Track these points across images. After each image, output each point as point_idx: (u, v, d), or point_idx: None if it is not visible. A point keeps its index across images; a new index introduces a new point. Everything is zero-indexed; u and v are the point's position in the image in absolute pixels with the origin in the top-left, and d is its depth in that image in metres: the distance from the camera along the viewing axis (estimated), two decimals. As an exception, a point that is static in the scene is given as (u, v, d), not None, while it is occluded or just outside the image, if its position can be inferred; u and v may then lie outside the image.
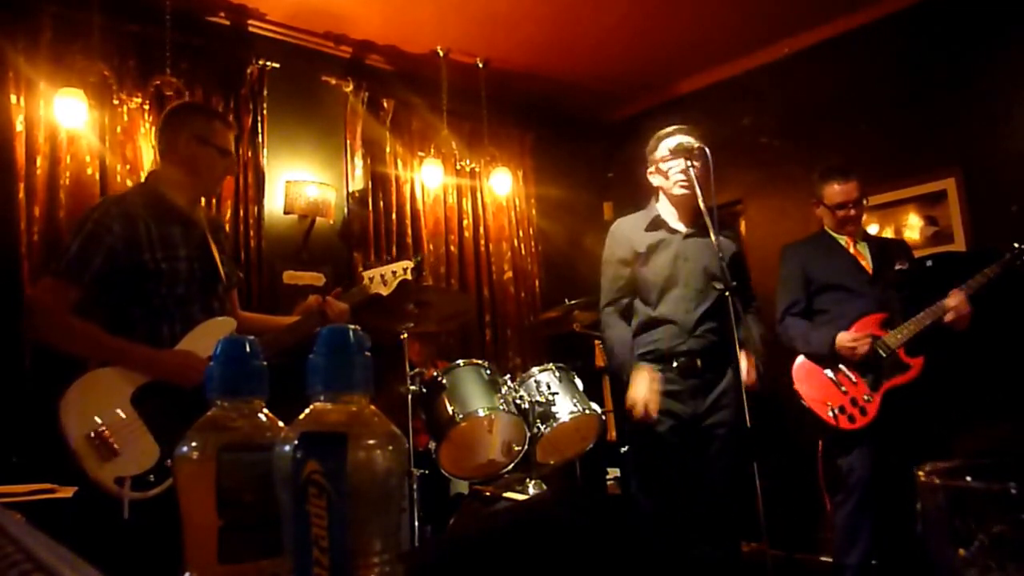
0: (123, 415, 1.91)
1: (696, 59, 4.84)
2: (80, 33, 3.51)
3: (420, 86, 4.69)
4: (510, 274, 5.02)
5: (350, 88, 4.48)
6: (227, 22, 4.09)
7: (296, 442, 0.50)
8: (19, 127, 3.35)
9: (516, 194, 5.14)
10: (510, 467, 3.09)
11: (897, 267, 2.86)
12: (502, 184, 4.91)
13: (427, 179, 4.67)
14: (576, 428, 3.18)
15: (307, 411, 0.53)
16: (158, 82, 3.67)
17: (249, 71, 4.05)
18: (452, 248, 4.80)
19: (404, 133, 4.69)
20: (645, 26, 4.39)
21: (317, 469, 0.48)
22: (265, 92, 4.08)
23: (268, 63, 4.10)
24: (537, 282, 5.17)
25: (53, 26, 3.46)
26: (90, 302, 2.04)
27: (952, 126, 3.95)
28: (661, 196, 2.68)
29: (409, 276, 2.51)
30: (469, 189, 4.94)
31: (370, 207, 4.46)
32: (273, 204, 4.13)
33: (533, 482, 3.04)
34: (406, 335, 3.03)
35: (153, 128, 3.71)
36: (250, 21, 4.15)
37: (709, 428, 2.50)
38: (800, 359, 2.87)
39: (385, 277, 2.48)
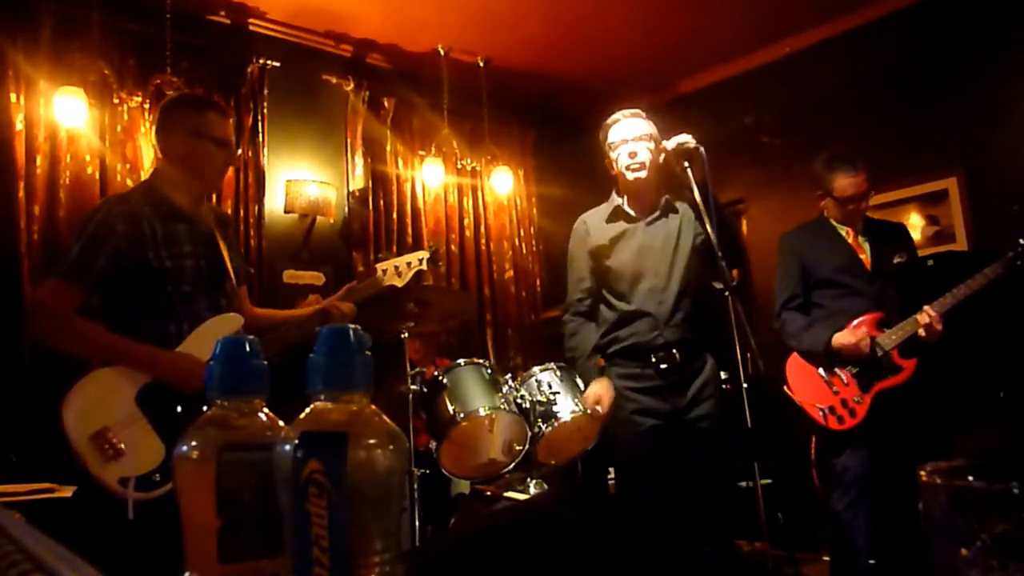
0: (127, 414, 1.90)
1: (697, 58, 4.84)
2: (80, 32, 3.51)
3: (421, 85, 4.69)
4: (511, 273, 5.02)
5: (351, 87, 4.48)
6: (227, 21, 4.09)
7: (296, 441, 0.50)
8: (19, 126, 3.35)
9: (517, 193, 5.14)
10: (511, 467, 3.09)
11: (896, 260, 2.81)
12: (503, 183, 4.90)
13: (428, 178, 4.67)
14: (577, 428, 3.17)
15: (307, 410, 0.53)
16: (158, 81, 3.67)
17: (249, 70, 4.05)
18: (453, 247, 4.80)
19: (405, 132, 4.69)
20: (646, 25, 4.38)
21: (318, 468, 0.48)
22: (265, 91, 4.08)
23: (268, 62, 4.10)
24: (538, 281, 5.17)
25: (53, 24, 3.46)
26: (95, 302, 2.04)
27: (954, 125, 3.95)
28: (619, 185, 2.64)
29: (424, 267, 2.49)
30: (470, 188, 4.94)
31: (371, 206, 4.46)
32: (273, 203, 4.14)
33: (534, 482, 3.03)
34: (406, 334, 3.02)
35: (153, 127, 3.71)
36: (250, 20, 4.15)
37: (692, 422, 2.46)
38: (793, 356, 2.86)
39: (399, 268, 2.46)
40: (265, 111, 4.08)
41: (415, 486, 2.81)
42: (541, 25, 4.34)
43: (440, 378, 3.02)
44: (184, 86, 3.75)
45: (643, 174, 2.48)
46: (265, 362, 0.61)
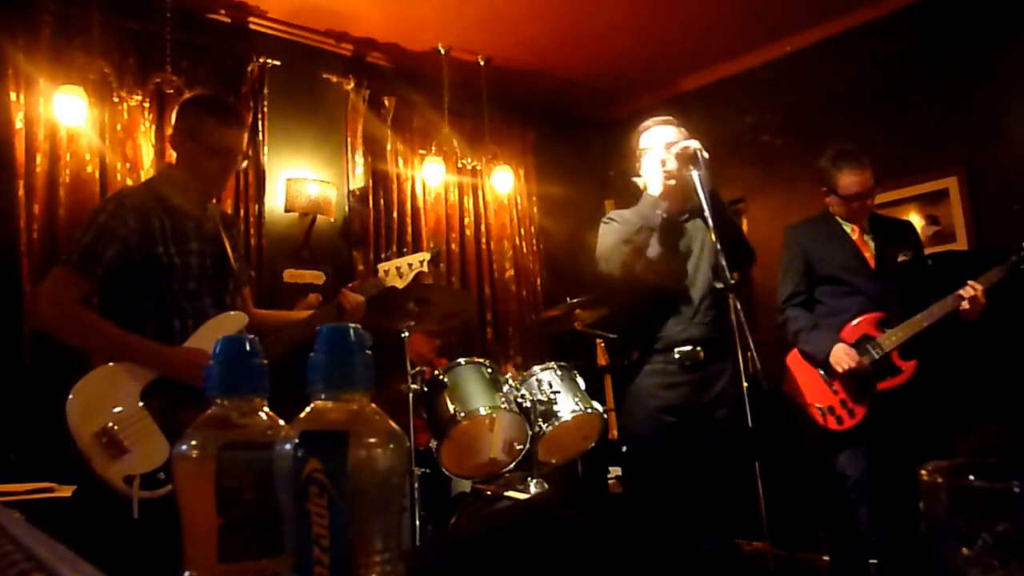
0: (132, 412, 1.88)
1: (698, 57, 4.84)
2: (80, 30, 3.51)
3: (421, 84, 4.69)
4: (511, 272, 5.02)
5: (351, 86, 4.48)
6: (228, 19, 4.09)
7: (297, 440, 0.50)
8: (19, 124, 3.35)
9: (517, 192, 5.14)
10: (511, 466, 3.09)
11: (900, 259, 2.81)
12: (503, 182, 4.90)
13: (428, 177, 4.66)
14: (578, 427, 3.18)
15: (308, 409, 0.53)
16: (158, 80, 3.67)
17: (250, 69, 4.05)
18: (453, 246, 4.80)
19: (405, 131, 4.69)
20: (647, 24, 4.38)
21: (318, 468, 0.48)
22: (266, 90, 4.08)
23: (269, 61, 4.10)
24: (539, 280, 5.17)
25: (53, 23, 3.46)
26: (101, 295, 2.03)
27: (954, 125, 3.95)
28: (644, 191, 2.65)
29: (425, 268, 2.50)
30: (470, 187, 4.94)
31: (371, 205, 4.46)
32: (274, 202, 4.14)
33: (534, 481, 3.03)
34: (407, 333, 3.02)
35: (153, 126, 3.72)
36: (251, 18, 4.15)
37: (710, 422, 2.48)
38: (793, 353, 2.85)
39: (401, 269, 2.47)
40: (265, 110, 4.08)
41: (415, 485, 2.81)
42: (542, 24, 4.34)
43: (440, 377, 3.02)
44: (184, 85, 3.75)
45: (673, 181, 2.49)
46: (265, 361, 0.61)
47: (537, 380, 3.13)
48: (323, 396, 0.53)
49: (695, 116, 2.65)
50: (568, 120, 5.52)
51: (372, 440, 0.51)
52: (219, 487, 0.55)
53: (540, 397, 3.05)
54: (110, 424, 1.85)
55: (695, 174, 2.34)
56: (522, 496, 2.97)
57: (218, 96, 2.36)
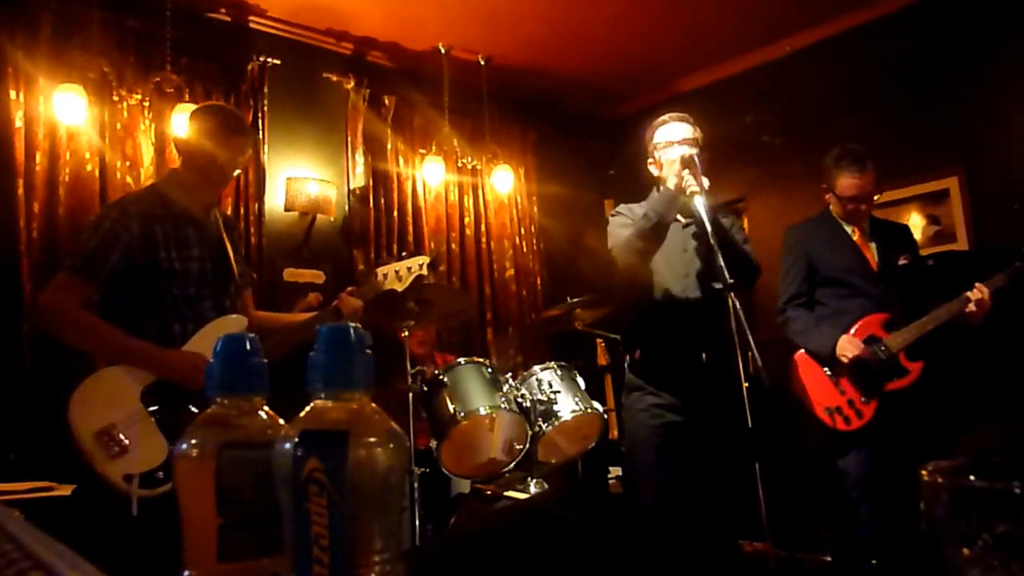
0: (132, 412, 1.92)
1: (698, 56, 4.84)
2: (80, 29, 3.50)
3: (421, 83, 4.69)
4: (512, 272, 5.02)
5: (351, 85, 4.48)
6: (228, 18, 4.09)
7: (296, 440, 0.50)
8: (18, 123, 3.35)
9: (518, 191, 5.14)
10: (511, 466, 3.09)
11: (901, 262, 2.81)
12: (504, 181, 4.90)
13: (428, 176, 4.66)
14: (578, 427, 3.18)
15: (308, 409, 0.53)
16: (158, 78, 3.66)
17: (250, 68, 4.04)
18: (453, 246, 4.80)
19: (405, 130, 4.69)
20: (647, 23, 4.38)
21: (317, 467, 0.48)
22: (266, 89, 4.08)
23: (269, 59, 4.10)
24: (539, 280, 5.17)
25: (52, 21, 3.46)
26: (103, 298, 2.06)
27: (955, 125, 3.95)
28: (661, 185, 2.65)
29: (424, 272, 2.51)
30: (470, 186, 4.94)
31: (371, 204, 4.46)
32: (274, 201, 4.13)
33: (534, 481, 3.03)
34: (407, 333, 3.03)
35: (153, 125, 3.71)
36: (251, 17, 4.15)
37: (710, 423, 2.47)
38: (799, 353, 2.84)
39: (400, 273, 2.48)
40: (265, 109, 4.07)
41: (415, 485, 2.81)
42: (542, 24, 4.34)
43: (440, 377, 3.02)
44: (184, 84, 3.75)
45: (693, 183, 2.48)
46: (265, 360, 0.61)
47: (537, 380, 3.13)
48: (323, 395, 0.53)
49: (695, 116, 2.63)
50: (568, 120, 5.51)
51: (372, 439, 0.51)
52: (219, 486, 0.55)
53: (540, 397, 3.05)
54: (111, 424, 1.88)
55: (691, 180, 2.35)
56: (522, 496, 2.97)
57: (229, 107, 2.46)
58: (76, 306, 1.99)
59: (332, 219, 4.35)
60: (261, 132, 4.05)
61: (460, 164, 4.87)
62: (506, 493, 3.03)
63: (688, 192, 2.36)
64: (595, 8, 4.19)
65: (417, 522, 2.79)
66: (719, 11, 4.26)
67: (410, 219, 4.61)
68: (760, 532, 2.28)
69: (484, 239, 4.96)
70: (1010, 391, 3.11)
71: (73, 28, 3.50)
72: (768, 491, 2.25)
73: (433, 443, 2.96)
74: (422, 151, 4.70)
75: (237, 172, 2.31)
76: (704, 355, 2.48)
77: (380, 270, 2.50)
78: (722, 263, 2.21)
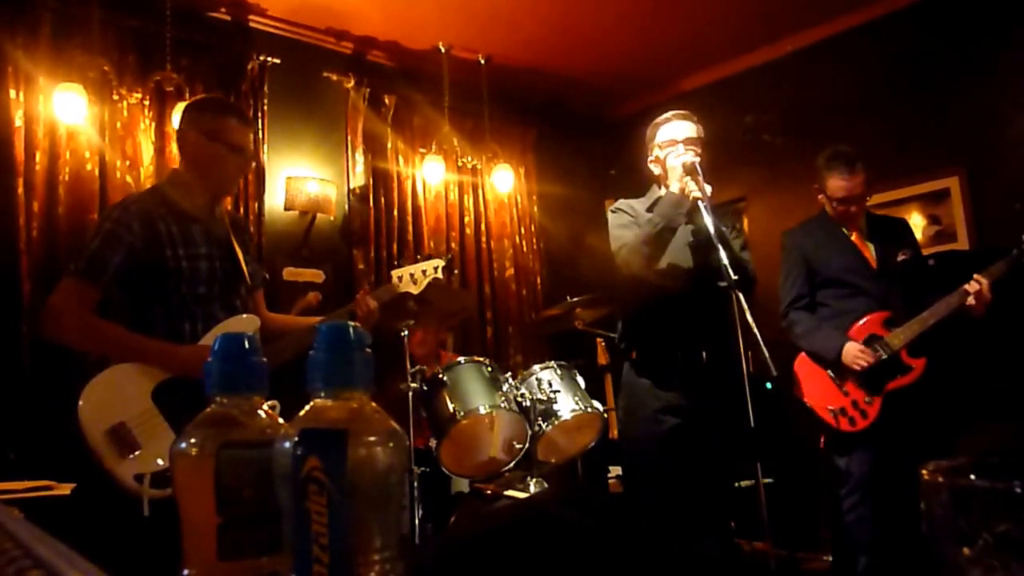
0: (143, 410, 1.90)
1: (698, 56, 4.84)
2: (80, 28, 3.50)
3: (422, 82, 4.69)
4: (512, 271, 5.02)
5: (351, 84, 4.48)
6: (228, 17, 4.09)
7: (296, 439, 0.50)
8: (18, 122, 3.35)
9: (518, 191, 5.14)
10: (511, 465, 3.09)
11: (900, 258, 2.80)
12: (504, 181, 4.90)
13: (428, 176, 4.66)
14: (578, 426, 3.18)
15: (307, 407, 0.53)
16: (158, 78, 3.67)
17: (250, 67, 4.04)
18: (453, 245, 4.80)
19: (405, 129, 4.69)
20: (647, 23, 4.38)
21: (317, 466, 0.48)
22: (266, 88, 4.08)
23: (269, 59, 4.10)
24: (539, 279, 5.17)
25: (52, 21, 3.46)
26: (112, 301, 2.04)
27: (956, 125, 3.95)
28: (662, 182, 2.64)
29: (440, 275, 2.51)
30: (471, 186, 4.94)
31: (371, 204, 4.46)
32: (274, 200, 4.13)
33: (534, 480, 3.03)
34: (407, 332, 3.03)
35: (153, 124, 3.71)
36: (251, 16, 4.15)
37: (713, 424, 2.46)
38: (802, 356, 2.84)
39: (415, 276, 2.48)
40: (265, 108, 4.07)
41: (415, 484, 2.81)
42: (542, 23, 4.34)
43: (440, 376, 3.02)
44: (184, 83, 3.75)
45: (696, 188, 2.47)
46: (264, 359, 0.61)
47: (537, 379, 3.13)
48: (323, 394, 0.53)
49: (695, 115, 2.63)
50: (568, 119, 5.51)
51: (372, 438, 0.51)
52: (218, 485, 0.55)
53: (540, 396, 3.05)
54: (121, 421, 1.86)
55: (694, 186, 2.34)
56: (521, 495, 2.97)
57: (222, 97, 2.40)
58: (83, 310, 1.96)
59: (332, 218, 4.35)
60: (261, 131, 4.05)
61: (460, 163, 4.87)
62: (506, 492, 3.03)
63: (691, 198, 2.36)
64: (596, 7, 4.19)
65: (417, 521, 2.80)
66: (720, 11, 4.26)
67: (410, 218, 4.61)
68: (760, 531, 2.28)
69: (484, 238, 4.96)
70: (1010, 385, 3.11)
71: (73, 27, 3.50)
72: (769, 490, 2.25)
73: (433, 442, 2.96)
74: (422, 150, 4.70)
75: (249, 165, 2.24)
76: (704, 354, 2.48)
77: (395, 272, 2.50)
78: (726, 261, 2.20)
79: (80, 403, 1.86)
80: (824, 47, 4.48)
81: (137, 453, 1.85)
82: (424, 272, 2.49)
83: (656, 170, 2.62)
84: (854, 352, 2.68)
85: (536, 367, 3.21)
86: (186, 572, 0.55)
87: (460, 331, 4.68)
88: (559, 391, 3.09)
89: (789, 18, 4.38)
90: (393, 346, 3.00)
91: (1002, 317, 2.76)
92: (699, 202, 2.33)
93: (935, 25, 4.03)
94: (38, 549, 0.41)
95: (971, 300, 2.62)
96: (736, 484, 2.68)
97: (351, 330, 0.54)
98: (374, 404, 0.54)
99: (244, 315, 2.15)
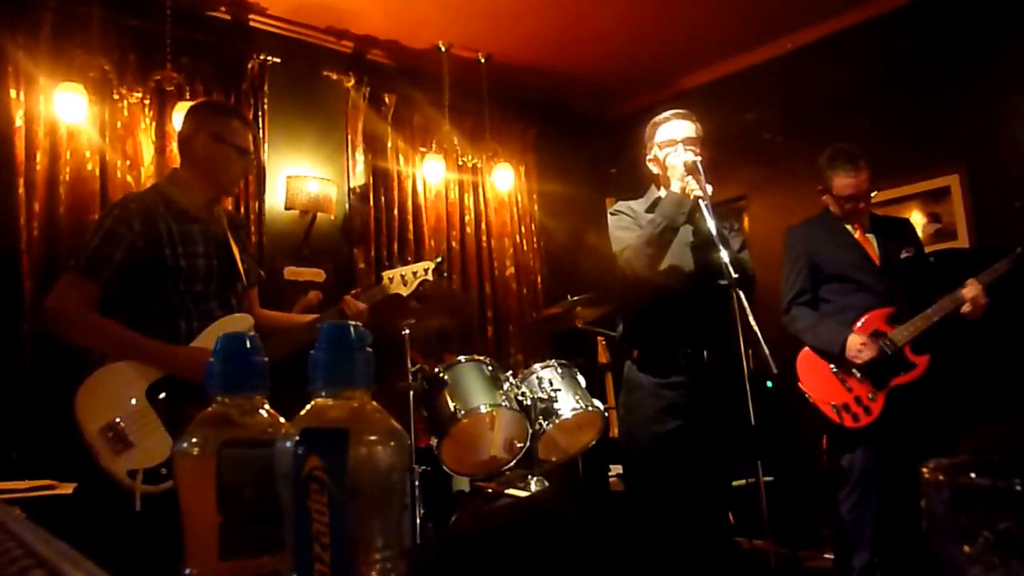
0: (138, 408, 1.92)
1: (699, 54, 4.84)
2: (80, 27, 3.50)
3: (422, 81, 4.68)
4: (512, 270, 5.02)
5: (351, 83, 4.47)
6: (228, 17, 4.09)
7: (297, 438, 0.50)
8: (19, 122, 3.35)
9: (518, 190, 5.14)
10: (512, 464, 3.09)
11: (903, 255, 2.80)
12: (504, 180, 4.90)
13: (429, 175, 4.66)
14: (578, 425, 3.18)
15: (308, 407, 0.53)
16: (158, 77, 3.66)
17: (250, 66, 4.04)
18: (454, 244, 4.80)
19: (405, 128, 4.69)
20: (648, 21, 4.38)
21: (318, 465, 0.48)
22: (266, 87, 4.08)
23: (269, 58, 4.10)
24: (539, 278, 5.17)
25: (53, 20, 3.46)
26: (110, 297, 2.05)
27: (956, 123, 3.94)
28: (661, 182, 2.64)
29: (430, 277, 2.53)
30: (471, 185, 4.94)
31: (371, 203, 4.46)
32: (274, 199, 4.13)
33: (535, 479, 3.04)
34: (407, 331, 3.03)
35: (153, 123, 3.71)
36: (251, 16, 4.15)
37: (715, 423, 2.46)
38: (804, 351, 2.83)
39: (405, 277, 2.50)
40: (265, 107, 4.07)
41: (416, 483, 2.81)
42: (542, 21, 4.34)
43: (441, 375, 3.02)
44: (184, 82, 3.75)
45: (696, 187, 2.47)
46: (266, 358, 0.61)
47: (538, 378, 3.13)
48: (324, 393, 0.53)
49: (696, 113, 2.62)
50: (569, 118, 5.51)
51: (373, 438, 0.51)
52: (219, 484, 0.55)
53: (541, 395, 3.05)
54: (116, 419, 1.89)
55: (695, 185, 2.34)
56: (522, 494, 2.97)
57: (224, 101, 2.44)
58: (82, 306, 1.98)
59: (332, 217, 4.35)
60: (261, 131, 4.05)
61: (460, 162, 4.87)
62: (506, 491, 3.03)
63: (692, 197, 2.36)
64: (596, 6, 4.18)
65: (418, 520, 2.80)
66: (720, 9, 4.25)
67: (410, 217, 4.61)
68: (761, 529, 2.27)
69: (484, 237, 4.96)
70: (1012, 384, 3.11)
71: (73, 27, 3.50)
72: (769, 488, 2.25)
73: (434, 441, 2.96)
74: (422, 149, 4.70)
75: (243, 168, 2.26)
76: (705, 352, 2.48)
77: (386, 274, 2.52)
78: (726, 260, 2.20)
79: (77, 401, 1.89)
80: (824, 45, 4.48)
81: (131, 450, 1.87)
82: (415, 273, 2.51)
83: (655, 169, 2.61)
84: (857, 345, 2.68)
85: (537, 366, 3.21)
86: (187, 571, 0.55)
87: (461, 330, 4.67)
88: (560, 390, 3.09)
89: (789, 16, 4.38)
90: (394, 345, 3.00)
91: (1004, 316, 2.76)
92: (700, 201, 2.33)
93: (936, 23, 4.02)
94: (40, 548, 0.41)
95: (967, 307, 2.63)
96: (736, 482, 2.67)
97: (352, 330, 0.54)
98: (375, 403, 0.54)
99: (238, 314, 2.17)
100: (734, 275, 2.17)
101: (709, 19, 4.36)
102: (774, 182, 4.66)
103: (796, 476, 3.38)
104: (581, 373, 3.29)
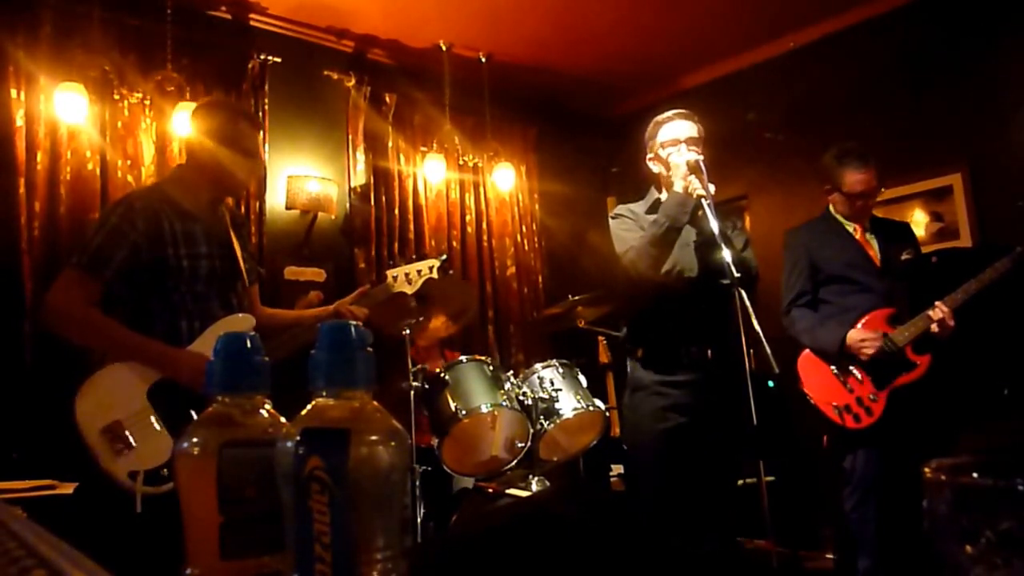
0: (139, 409, 1.92)
1: (700, 53, 4.83)
2: (80, 27, 3.50)
3: (422, 81, 4.68)
4: (513, 270, 5.02)
5: (352, 83, 4.47)
6: (228, 16, 4.09)
7: (298, 438, 0.50)
8: (19, 122, 3.35)
9: (519, 189, 5.13)
10: (513, 464, 3.09)
11: (904, 256, 2.80)
12: (505, 179, 4.90)
13: (429, 174, 4.66)
14: (579, 425, 3.18)
15: (309, 407, 0.53)
16: (159, 77, 3.66)
17: (250, 66, 4.04)
18: (455, 244, 4.80)
19: (406, 128, 4.68)
20: (649, 20, 4.38)
21: (319, 465, 0.48)
22: (266, 87, 4.08)
23: (269, 57, 4.10)
24: (540, 278, 5.17)
25: (53, 20, 3.46)
26: (110, 296, 2.05)
27: (959, 121, 3.94)
28: (662, 182, 2.64)
29: (435, 275, 2.51)
30: (472, 184, 4.94)
31: (372, 202, 4.46)
32: (275, 199, 4.14)
33: (536, 479, 3.03)
34: (408, 331, 3.03)
35: (154, 123, 3.71)
36: (251, 15, 4.15)
37: (717, 422, 2.46)
38: (805, 353, 2.83)
39: (410, 276, 2.48)
40: (266, 107, 4.07)
41: (417, 483, 2.81)
42: (543, 21, 4.34)
43: (442, 375, 3.02)
44: (185, 82, 3.75)
45: (700, 186, 2.47)
46: (266, 358, 0.61)
47: (539, 378, 3.13)
48: (324, 393, 0.53)
49: (698, 113, 2.62)
50: (570, 117, 5.51)
51: (373, 438, 0.51)
52: (220, 485, 0.55)
53: (542, 395, 3.05)
54: (117, 420, 1.88)
55: (698, 184, 2.34)
56: (523, 494, 2.97)
57: (234, 101, 2.41)
58: (83, 303, 1.97)
59: (333, 217, 4.35)
60: (262, 130, 4.05)
61: (461, 162, 4.87)
62: (508, 491, 3.03)
63: (695, 197, 2.36)
64: (597, 5, 4.18)
65: (419, 519, 2.80)
66: (721, 8, 4.25)
67: (411, 217, 4.61)
68: (762, 529, 2.27)
69: (485, 237, 4.96)
70: (1014, 388, 3.10)
71: (74, 27, 3.50)
72: (771, 488, 2.24)
73: (435, 441, 2.96)
74: (423, 149, 4.70)
75: (250, 171, 2.25)
76: (709, 351, 2.48)
77: (390, 272, 2.50)
78: (729, 260, 2.21)
79: (77, 402, 1.88)
80: (826, 44, 4.47)
81: (131, 451, 1.87)
82: (419, 272, 2.49)
83: (656, 168, 2.61)
84: (859, 337, 2.67)
85: (538, 365, 3.21)
86: (188, 571, 0.55)
87: (462, 330, 4.67)
88: (561, 389, 3.09)
89: (790, 15, 4.37)
90: (395, 345, 3.00)
91: (1005, 316, 2.76)
92: (703, 200, 2.33)
93: (937, 21, 4.02)
94: (42, 548, 0.41)
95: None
96: (738, 482, 2.67)
97: (352, 330, 0.54)
98: (376, 403, 0.54)
99: (240, 314, 2.16)
100: (736, 274, 2.17)
101: (710, 18, 4.36)
102: (775, 181, 4.66)
103: (797, 476, 3.38)
104: (582, 373, 3.29)
